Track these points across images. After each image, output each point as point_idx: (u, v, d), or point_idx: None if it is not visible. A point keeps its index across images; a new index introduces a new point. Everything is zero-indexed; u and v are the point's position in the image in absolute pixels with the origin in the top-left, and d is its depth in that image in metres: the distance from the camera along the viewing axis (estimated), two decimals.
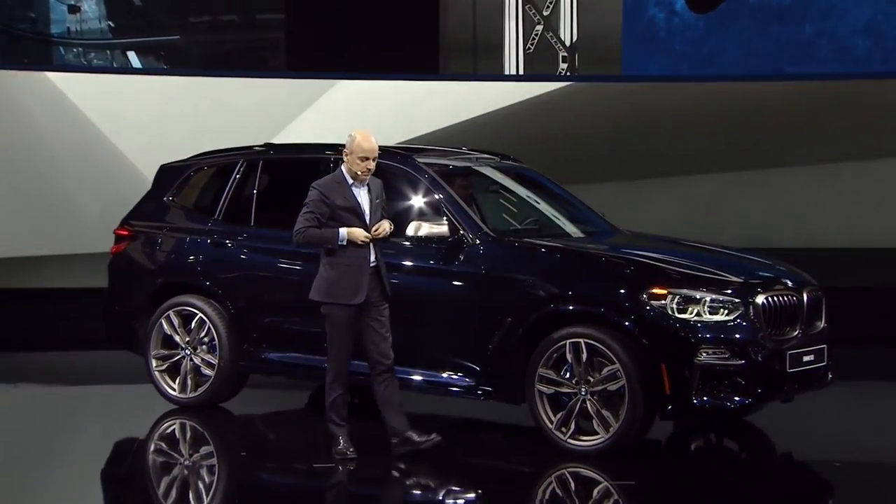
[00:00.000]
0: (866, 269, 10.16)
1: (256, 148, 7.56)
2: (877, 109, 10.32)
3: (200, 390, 7.17)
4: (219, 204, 7.33)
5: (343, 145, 7.22)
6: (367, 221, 5.92)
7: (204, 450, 6.66)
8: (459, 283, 6.32)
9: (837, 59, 11.26)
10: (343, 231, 5.88)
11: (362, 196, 5.96)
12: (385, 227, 5.96)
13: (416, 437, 5.97)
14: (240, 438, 6.94)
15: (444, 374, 6.42)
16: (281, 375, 7.21)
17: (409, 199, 6.78)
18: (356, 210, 5.92)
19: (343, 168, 5.99)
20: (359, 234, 5.88)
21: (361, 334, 6.00)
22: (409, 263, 6.54)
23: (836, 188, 10.33)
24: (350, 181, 5.95)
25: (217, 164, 7.59)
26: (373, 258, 5.91)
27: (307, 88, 10.60)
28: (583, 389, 6.02)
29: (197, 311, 7.16)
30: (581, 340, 6.01)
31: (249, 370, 7.17)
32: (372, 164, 5.94)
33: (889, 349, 9.20)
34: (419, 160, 6.80)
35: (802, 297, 6.22)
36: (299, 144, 7.93)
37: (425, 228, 6.31)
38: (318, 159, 7.01)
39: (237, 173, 7.34)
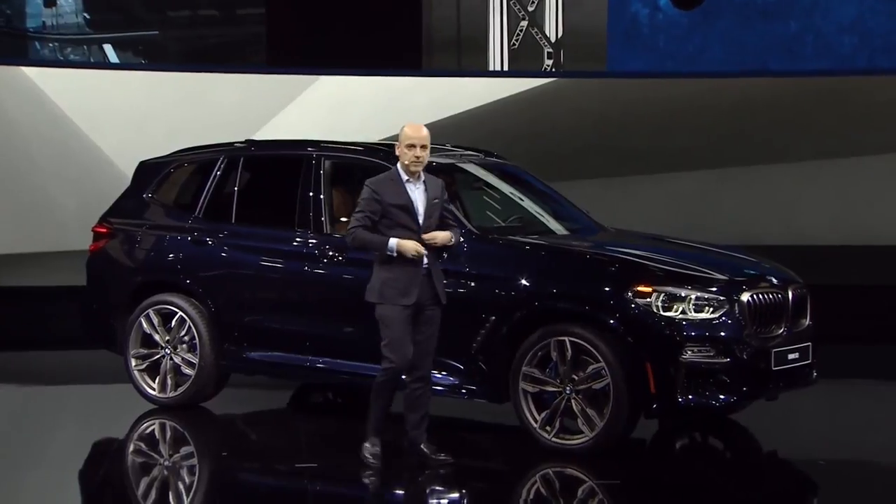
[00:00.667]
0: (852, 266, 10.23)
1: (237, 144, 7.56)
2: (862, 106, 10.38)
3: (181, 390, 7.16)
4: (199, 201, 7.32)
5: (325, 141, 7.31)
6: (420, 221, 5.74)
7: (184, 450, 6.65)
8: (445, 282, 6.31)
9: (823, 56, 11.33)
10: (393, 242, 5.67)
11: (416, 194, 5.77)
12: (439, 237, 5.73)
13: (427, 451, 5.88)
14: (221, 438, 6.93)
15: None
16: (262, 375, 7.20)
17: None
18: (408, 208, 5.73)
19: (398, 165, 5.84)
20: (410, 247, 5.66)
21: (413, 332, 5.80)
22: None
23: (822, 185, 10.38)
24: (404, 178, 5.77)
25: (197, 160, 7.58)
26: (426, 262, 5.72)
27: (289, 84, 10.57)
28: (567, 388, 6.04)
29: (177, 310, 7.15)
30: (566, 339, 6.03)
31: (230, 369, 7.16)
32: (420, 153, 5.72)
33: (873, 347, 9.27)
34: None
35: (787, 294, 6.27)
36: (281, 141, 7.92)
37: None
38: (301, 156, 7.01)
39: (218, 170, 7.33)
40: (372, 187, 5.79)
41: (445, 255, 5.91)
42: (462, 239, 6.12)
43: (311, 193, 6.84)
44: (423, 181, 5.80)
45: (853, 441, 6.79)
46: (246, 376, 7.32)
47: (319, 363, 6.75)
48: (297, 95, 10.59)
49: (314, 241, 6.78)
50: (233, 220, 7.17)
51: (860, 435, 6.96)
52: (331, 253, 6.70)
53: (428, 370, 5.89)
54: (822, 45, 11.33)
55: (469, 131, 9.79)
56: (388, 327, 5.75)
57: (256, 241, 6.99)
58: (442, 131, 10.12)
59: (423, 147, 5.74)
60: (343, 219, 6.98)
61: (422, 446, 5.87)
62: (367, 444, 5.90)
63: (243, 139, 7.73)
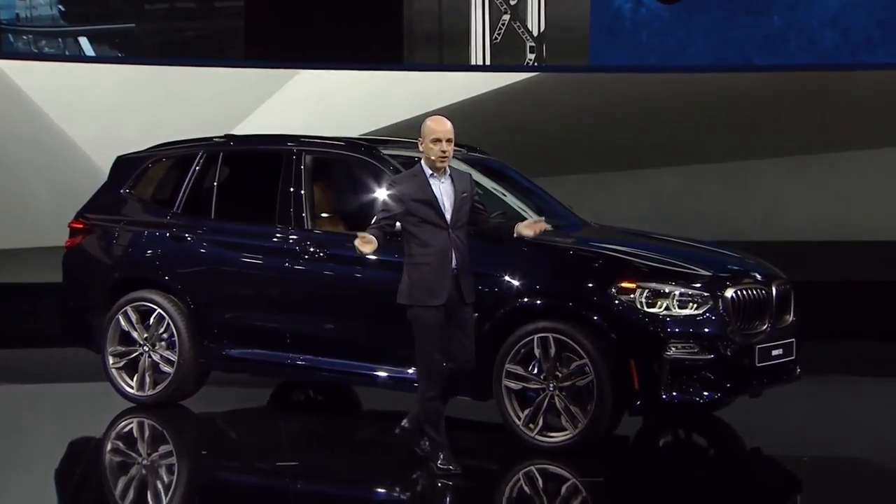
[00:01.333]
0: (835, 262, 10.31)
1: (216, 139, 7.53)
2: (845, 102, 10.46)
3: (159, 388, 7.14)
4: (178, 196, 7.30)
5: (306, 136, 7.29)
6: (448, 216, 5.61)
7: (163, 449, 6.63)
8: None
9: (806, 51, 11.39)
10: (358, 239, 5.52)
11: (442, 189, 5.64)
12: (535, 228, 5.62)
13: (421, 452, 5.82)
14: (200, 437, 6.92)
15: (410, 371, 6.43)
16: (242, 372, 7.19)
17: (375, 191, 6.78)
18: (433, 203, 5.60)
19: (422, 160, 5.71)
20: (357, 243, 5.51)
21: (446, 340, 5.70)
22: (373, 257, 6.52)
23: (805, 181, 10.46)
24: (429, 172, 5.65)
25: (176, 155, 7.55)
26: (455, 261, 5.61)
27: (268, 78, 10.57)
28: (551, 385, 6.06)
29: (155, 307, 7.14)
30: (549, 335, 6.05)
31: (210, 367, 7.14)
32: (447, 147, 5.60)
33: (856, 343, 9.34)
34: (384, 152, 6.80)
35: (771, 290, 6.30)
36: (261, 136, 7.91)
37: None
38: (281, 151, 6.99)
39: (197, 165, 7.31)
40: (394, 183, 5.71)
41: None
42: None
43: (291, 189, 6.84)
44: (450, 175, 5.69)
45: (837, 437, 6.85)
46: (225, 374, 7.30)
47: (300, 360, 6.75)
48: (276, 90, 10.61)
49: (295, 237, 6.78)
50: (212, 216, 7.15)
51: (844, 431, 7.02)
52: (312, 249, 6.70)
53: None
54: (805, 40, 11.40)
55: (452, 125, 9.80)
56: (420, 330, 5.66)
57: (236, 238, 6.98)
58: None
59: (449, 141, 5.62)
60: (324, 214, 7.00)
61: (423, 443, 5.80)
62: (439, 464, 5.73)
63: (222, 134, 7.71)
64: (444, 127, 5.65)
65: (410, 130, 9.99)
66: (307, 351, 6.73)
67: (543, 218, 5.70)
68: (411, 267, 5.66)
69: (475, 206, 5.78)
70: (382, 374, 6.54)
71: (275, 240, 6.85)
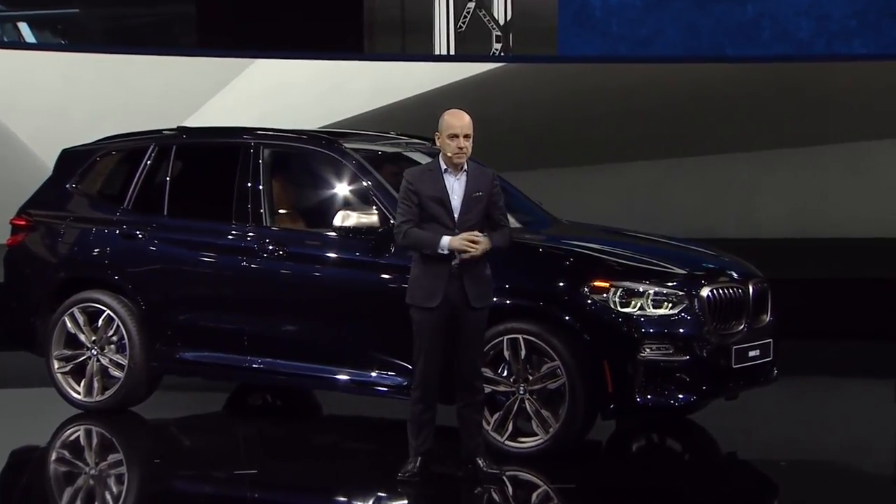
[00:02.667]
0: (811, 259, 10.43)
1: (168, 132, 7.50)
2: (821, 93, 10.58)
3: (108, 393, 7.10)
4: (128, 192, 7.26)
5: (264, 129, 7.27)
6: (456, 215, 5.57)
7: (112, 458, 6.59)
8: (390, 277, 6.35)
9: (780, 41, 11.51)
10: (446, 240, 5.49)
11: (455, 186, 5.59)
12: (473, 243, 5.45)
13: (482, 464, 5.75)
14: (152, 445, 6.88)
15: (373, 373, 6.45)
16: (197, 376, 7.18)
17: (336, 187, 6.78)
18: (443, 201, 5.56)
19: (440, 156, 5.67)
20: (457, 242, 5.47)
21: (452, 347, 5.67)
22: (335, 256, 6.55)
23: (780, 175, 10.57)
24: (443, 168, 5.62)
25: (126, 148, 7.52)
26: (457, 260, 5.53)
27: (221, 68, 10.51)
28: (521, 388, 6.09)
29: (104, 308, 7.09)
30: (519, 336, 6.07)
31: (162, 371, 7.12)
32: (464, 143, 5.55)
33: (833, 343, 9.45)
34: (346, 145, 6.80)
35: (748, 289, 6.37)
36: (216, 128, 7.92)
37: (353, 218, 6.33)
38: (237, 144, 6.97)
39: (148, 159, 7.27)
40: (408, 178, 5.66)
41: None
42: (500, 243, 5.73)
43: (248, 184, 6.82)
44: (466, 172, 5.64)
45: (815, 441, 6.93)
46: (179, 378, 7.28)
47: (258, 363, 6.74)
48: (229, 80, 10.55)
49: (252, 234, 6.76)
50: (164, 213, 7.12)
51: (823, 435, 7.11)
52: (270, 247, 6.68)
53: (475, 385, 5.69)
54: (780, 29, 11.52)
55: (414, 118, 9.80)
56: (416, 333, 5.66)
57: (190, 235, 6.95)
58: (386, 118, 10.22)
59: (467, 137, 5.57)
60: (283, 211, 6.98)
61: (476, 460, 5.75)
62: (405, 468, 5.72)
63: (174, 126, 7.67)
64: (462, 122, 5.61)
65: (372, 123, 10.10)
66: (265, 353, 6.72)
67: (476, 232, 5.57)
68: (415, 265, 5.68)
69: (491, 208, 5.66)
70: (344, 377, 6.54)
71: (231, 237, 6.82)
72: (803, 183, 10.52)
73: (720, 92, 10.60)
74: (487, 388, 6.11)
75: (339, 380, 6.56)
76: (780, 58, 11.08)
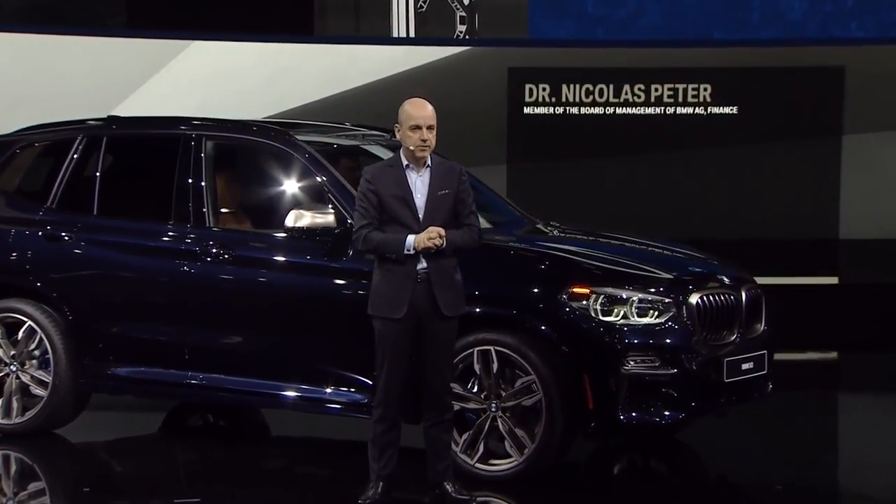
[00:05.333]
0: (808, 262, 10.56)
1: (97, 121, 7.50)
2: (817, 83, 10.72)
3: (29, 414, 7.08)
4: (52, 189, 7.24)
5: (206, 119, 7.27)
6: (421, 215, 5.57)
7: (34, 486, 6.55)
8: (347, 282, 6.36)
9: (771, 23, 11.64)
10: (411, 239, 5.49)
11: (419, 183, 5.60)
12: (433, 236, 5.44)
13: (451, 490, 5.75)
14: (80, 472, 6.86)
15: (328, 390, 6.47)
16: (130, 394, 7.16)
17: (287, 183, 6.79)
18: (406, 199, 5.56)
19: (401, 150, 5.67)
20: (422, 238, 5.47)
21: (418, 360, 5.68)
22: (286, 259, 6.56)
23: (770, 170, 10.68)
24: (405, 163, 5.63)
25: (49, 140, 7.51)
26: (423, 264, 5.56)
27: (154, 51, 10.47)
28: (493, 405, 6.11)
29: (25, 319, 7.07)
30: (491, 348, 6.11)
31: (91, 389, 7.10)
32: (427, 135, 5.55)
33: (833, 354, 9.57)
34: (297, 137, 6.81)
35: (740, 296, 6.44)
36: (152, 118, 7.88)
37: (307, 218, 6.33)
38: (176, 136, 6.98)
39: (75, 152, 7.26)
40: (367, 176, 5.65)
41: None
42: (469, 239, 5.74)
43: (189, 180, 6.82)
44: (430, 168, 5.65)
45: (813, 462, 7.01)
46: (110, 397, 7.25)
47: (199, 379, 6.74)
48: (163, 64, 10.51)
49: (194, 235, 6.76)
50: (94, 212, 7.11)
51: (821, 455, 7.20)
52: (214, 250, 6.68)
53: (444, 402, 5.70)
54: (771, 10, 11.65)
55: (370, 107, 9.83)
56: (379, 346, 5.66)
57: (123, 237, 6.94)
58: (338, 107, 10.22)
59: (430, 128, 5.59)
60: (227, 210, 6.99)
61: (445, 485, 5.75)
62: (366, 494, 5.72)
63: (103, 115, 7.69)
64: (424, 112, 5.62)
65: (324, 113, 10.11)
66: (208, 368, 6.72)
67: (438, 229, 5.54)
68: (376, 271, 5.67)
69: (459, 207, 5.68)
70: (295, 394, 6.56)
71: (170, 239, 6.82)
72: (796, 179, 10.64)
73: (706, 78, 10.70)
74: (456, 406, 6.14)
75: (290, 397, 6.57)
76: (771, 41, 11.20)
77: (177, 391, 6.92)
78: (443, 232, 5.55)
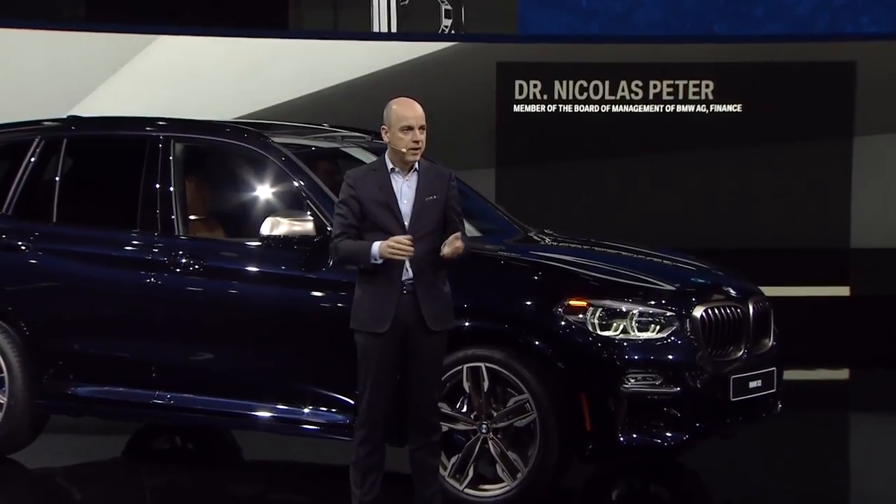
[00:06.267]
0: (814, 272, 10.61)
1: (53, 123, 7.48)
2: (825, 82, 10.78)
3: None
4: (8, 195, 7.23)
5: (175, 119, 7.26)
6: (406, 223, 5.54)
7: None
8: (327, 295, 6.37)
9: (776, 17, 11.70)
10: (376, 247, 5.46)
11: (405, 188, 5.58)
12: (398, 246, 5.40)
13: None
14: (37, 500, 6.85)
15: (306, 409, 6.47)
16: (93, 415, 7.12)
17: (262, 189, 6.79)
18: (390, 205, 5.54)
19: (386, 153, 5.65)
20: (384, 247, 5.42)
21: (403, 377, 5.66)
22: (261, 270, 6.56)
23: (776, 175, 10.73)
24: (390, 167, 5.61)
25: (4, 142, 7.51)
26: (409, 275, 5.55)
27: (116, 46, 10.47)
28: (483, 426, 6.12)
29: None
30: (481, 365, 6.11)
31: (51, 410, 7.08)
32: (420, 136, 5.53)
33: (842, 370, 9.60)
34: (273, 140, 6.81)
35: (748, 309, 6.46)
36: (115, 118, 7.88)
37: (284, 226, 6.33)
38: (143, 138, 6.98)
39: (32, 155, 7.26)
40: (349, 181, 5.63)
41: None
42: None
43: (157, 185, 6.81)
44: (418, 172, 5.63)
45: (825, 488, 6.99)
46: (70, 418, 7.23)
47: (167, 399, 6.72)
48: (126, 61, 10.51)
49: (161, 244, 6.75)
50: (53, 220, 7.11)
51: (833, 480, 7.19)
52: (183, 260, 6.68)
53: (432, 423, 5.67)
54: (776, 4, 11.71)
55: (349, 107, 9.85)
56: (361, 363, 5.64)
57: (85, 246, 6.93)
58: (316, 107, 10.23)
59: (422, 129, 5.57)
60: (197, 217, 6.98)
61: None
62: None
63: (63, 116, 7.68)
64: (415, 111, 5.60)
65: (299, 112, 10.11)
66: (176, 387, 6.71)
67: (459, 234, 5.57)
68: (357, 283, 5.66)
69: (449, 214, 5.66)
70: (268, 414, 6.56)
71: (135, 249, 6.82)
72: (805, 184, 10.69)
73: (707, 76, 10.75)
74: (444, 427, 6.14)
75: (264, 417, 6.56)
76: (776, 37, 11.26)
77: (142, 412, 6.90)
78: (406, 242, 5.45)
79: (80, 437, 7.75)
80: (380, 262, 5.50)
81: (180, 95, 10.20)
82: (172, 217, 6.77)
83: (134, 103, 9.92)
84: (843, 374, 9.93)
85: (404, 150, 5.58)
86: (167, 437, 7.90)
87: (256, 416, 6.58)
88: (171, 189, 6.80)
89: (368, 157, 7.29)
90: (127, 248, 6.84)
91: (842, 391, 9.38)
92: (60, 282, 6.98)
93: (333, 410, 6.40)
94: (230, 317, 6.60)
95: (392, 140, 5.62)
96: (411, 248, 5.46)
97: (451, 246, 5.49)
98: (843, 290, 10.56)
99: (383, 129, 5.65)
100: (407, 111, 5.61)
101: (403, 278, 5.57)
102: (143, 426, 7.85)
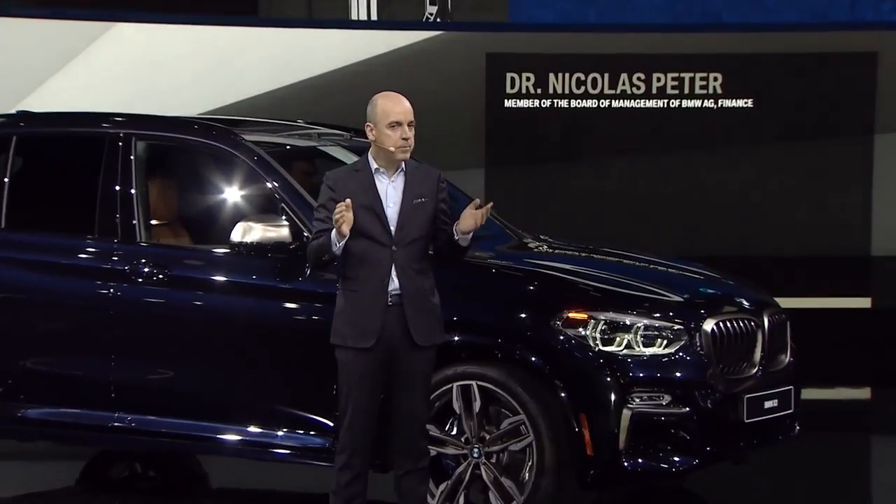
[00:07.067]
0: (833, 282, 10.65)
1: (4, 118, 7.45)
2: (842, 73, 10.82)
3: None
4: None
5: (135, 115, 7.24)
6: (392, 227, 5.56)
7: None
8: (303, 307, 6.36)
9: (790, 4, 11.75)
10: (335, 233, 5.45)
11: (390, 190, 5.60)
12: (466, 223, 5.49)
13: None
14: None
15: (279, 433, 6.46)
16: (45, 440, 7.10)
17: (233, 191, 6.78)
18: (374, 209, 5.56)
19: (369, 152, 5.67)
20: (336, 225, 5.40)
21: (388, 397, 5.66)
22: (231, 280, 6.54)
23: (793, 174, 10.77)
24: (374, 167, 5.63)
25: None
26: (395, 284, 5.58)
27: (70, 34, 10.46)
28: (475, 450, 6.12)
29: None
30: (472, 383, 6.10)
31: None
32: (409, 133, 5.57)
33: (864, 388, 9.63)
34: (245, 137, 6.80)
35: (762, 322, 6.47)
36: (70, 114, 7.86)
37: (256, 231, 6.32)
38: (100, 135, 6.95)
39: None
40: (329, 182, 5.64)
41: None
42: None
43: (116, 187, 6.79)
44: (404, 172, 5.67)
45: None
46: (19, 443, 7.23)
47: (127, 421, 6.70)
48: (80, 50, 10.50)
49: (121, 252, 6.73)
50: (2, 225, 7.05)
51: None
52: (145, 269, 6.66)
53: (419, 446, 5.69)
54: None
55: (326, 101, 9.87)
56: (342, 380, 5.64)
57: (37, 254, 6.90)
58: (289, 101, 10.25)
59: (411, 125, 5.60)
60: (158, 222, 6.97)
61: None
62: None
63: (11, 110, 7.68)
64: (403, 106, 5.62)
65: (271, 108, 10.10)
66: (136, 408, 6.69)
67: (478, 200, 5.61)
68: (339, 294, 5.66)
69: (439, 216, 5.69)
70: (237, 437, 6.54)
71: (92, 256, 6.80)
72: (821, 183, 10.74)
73: (715, 69, 10.79)
74: (433, 451, 6.14)
75: (232, 441, 6.55)
76: (790, 26, 11.30)
77: (100, 436, 6.87)
78: (344, 205, 5.42)
79: (31, 463, 7.75)
80: (340, 244, 5.47)
81: (142, 88, 10.20)
82: (134, 222, 6.75)
83: (91, 97, 9.93)
84: (865, 392, 9.96)
85: (393, 148, 5.58)
86: (126, 464, 7.88)
87: (225, 439, 6.55)
88: (133, 191, 6.77)
89: (348, 156, 7.30)
90: (83, 255, 6.81)
91: (864, 411, 9.40)
92: (9, 293, 6.93)
93: (311, 433, 6.38)
94: (197, 331, 6.58)
95: (378, 138, 5.62)
96: (349, 214, 5.42)
97: (474, 215, 5.50)
98: (865, 302, 10.62)
99: (368, 126, 5.65)
100: (395, 106, 5.61)
101: (389, 289, 5.56)
102: (100, 452, 7.82)
